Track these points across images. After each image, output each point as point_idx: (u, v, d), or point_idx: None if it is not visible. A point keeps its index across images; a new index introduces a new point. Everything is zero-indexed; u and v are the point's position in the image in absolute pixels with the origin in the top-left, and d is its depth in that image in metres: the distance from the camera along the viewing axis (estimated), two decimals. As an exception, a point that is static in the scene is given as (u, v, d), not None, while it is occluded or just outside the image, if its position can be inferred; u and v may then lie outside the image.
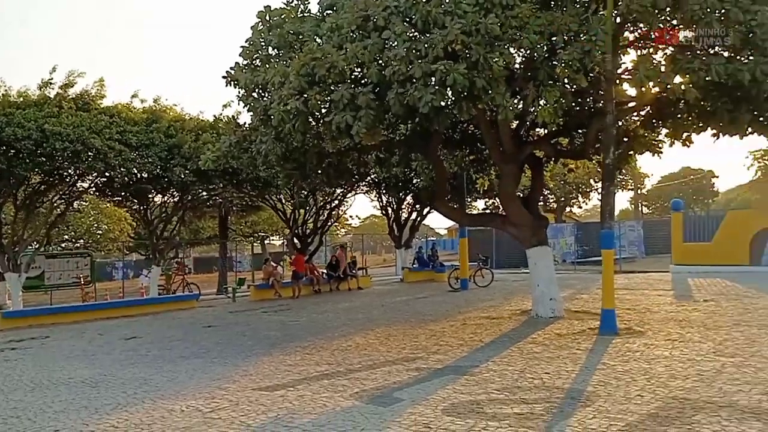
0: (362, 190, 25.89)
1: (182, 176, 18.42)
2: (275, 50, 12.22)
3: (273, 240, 43.49)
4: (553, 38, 10.09)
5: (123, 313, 17.33)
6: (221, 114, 20.44)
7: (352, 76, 10.86)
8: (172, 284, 22.19)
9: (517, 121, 13.48)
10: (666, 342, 8.92)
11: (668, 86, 10.87)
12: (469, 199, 24.62)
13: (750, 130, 11.39)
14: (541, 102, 10.67)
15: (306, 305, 17.65)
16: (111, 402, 7.26)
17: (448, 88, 9.48)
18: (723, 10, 9.58)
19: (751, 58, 9.84)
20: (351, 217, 48.87)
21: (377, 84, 10.19)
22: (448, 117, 12.26)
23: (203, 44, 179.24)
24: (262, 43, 12.32)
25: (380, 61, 10.07)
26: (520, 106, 11.47)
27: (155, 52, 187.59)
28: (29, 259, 19.17)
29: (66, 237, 29.80)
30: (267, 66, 11.91)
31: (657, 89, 11.19)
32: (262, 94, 12.16)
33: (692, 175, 64.86)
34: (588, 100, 13.04)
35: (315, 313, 15.58)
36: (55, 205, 19.86)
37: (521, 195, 15.55)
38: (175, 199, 21.85)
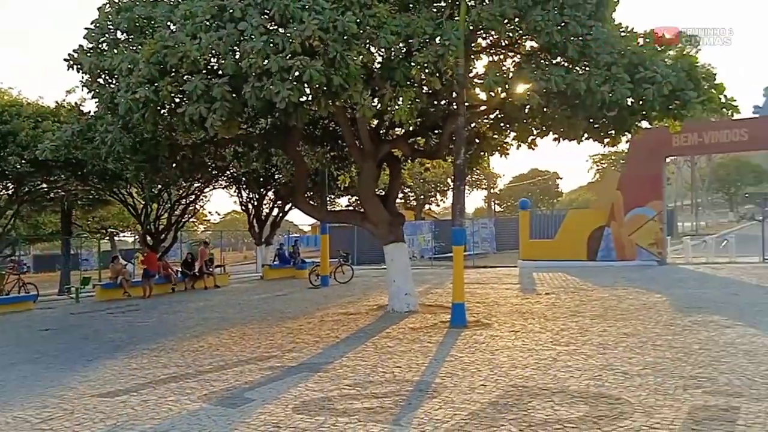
0: (221, 185, 25.10)
1: (17, 166, 16.87)
2: (124, 35, 11.50)
3: (125, 236, 40.94)
4: (410, 40, 10.36)
5: (-57, 317, 15.58)
6: (64, 100, 18.98)
7: (208, 67, 10.51)
8: (6, 284, 20.19)
9: (376, 120, 13.71)
10: (510, 333, 9.47)
11: (514, 92, 11.60)
12: (332, 196, 24.73)
13: (586, 135, 12.39)
14: (398, 102, 10.94)
15: (157, 305, 16.80)
16: None
17: (306, 84, 9.43)
18: (563, 23, 10.32)
19: (587, 69, 10.68)
20: (210, 212, 47.14)
21: (233, 76, 9.92)
22: (306, 113, 12.20)
23: (44, 24, 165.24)
24: (110, 26, 11.55)
25: (236, 53, 9.81)
26: (378, 104, 11.70)
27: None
28: None
29: None
30: (115, 51, 11.19)
31: (504, 95, 11.84)
32: (109, 81, 11.42)
33: (540, 176, 69.71)
34: (442, 102, 13.54)
35: (166, 314, 14.88)
36: None
37: (380, 193, 15.86)
38: (9, 191, 19.96)
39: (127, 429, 5.62)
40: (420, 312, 12.13)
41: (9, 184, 19.22)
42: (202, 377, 7.57)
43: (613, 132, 12.34)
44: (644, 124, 12.57)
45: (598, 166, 65.96)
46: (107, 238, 37.38)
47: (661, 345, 8.03)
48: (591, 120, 11.97)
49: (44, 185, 20.31)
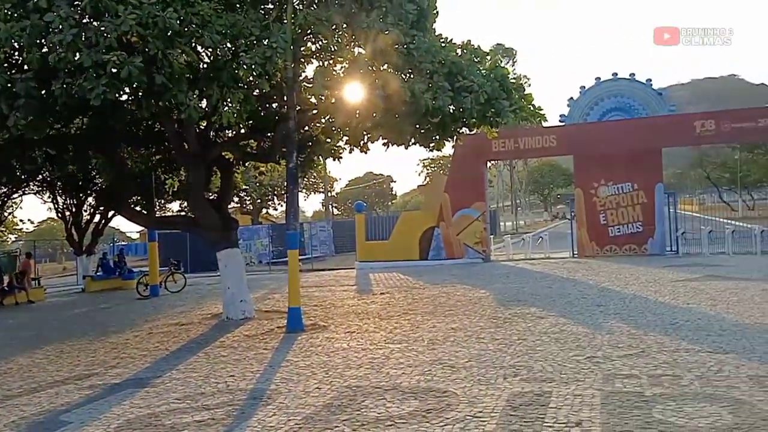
0: (32, 190, 22.78)
1: None
2: None
3: None
4: (236, 41, 10.12)
5: None
6: None
7: (10, 60, 9.52)
8: None
9: (205, 122, 13.23)
10: (346, 334, 9.56)
11: (345, 97, 11.77)
12: (162, 201, 23.42)
13: (413, 141, 12.88)
14: (226, 103, 10.65)
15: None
16: None
17: (124, 82, 8.84)
18: (387, 32, 10.64)
19: (411, 77, 11.12)
20: (22, 221, 42.61)
21: (40, 71, 9.04)
22: (126, 113, 11.50)
23: None
24: None
25: (43, 47, 8.96)
26: (206, 106, 11.30)
27: None
28: None
29: None
30: None
31: (335, 99, 11.98)
32: None
33: (375, 179, 71.57)
34: (273, 105, 13.40)
35: (-34, 336, 13.20)
36: None
37: (212, 197, 15.32)
38: None
39: None
40: (256, 318, 11.87)
41: None
42: (10, 402, 6.79)
43: (437, 137, 12.94)
44: (465, 130, 13.33)
45: (427, 169, 69.20)
46: None
47: (485, 337, 8.55)
48: (417, 126, 12.47)
49: None
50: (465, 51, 12.31)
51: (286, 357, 8.16)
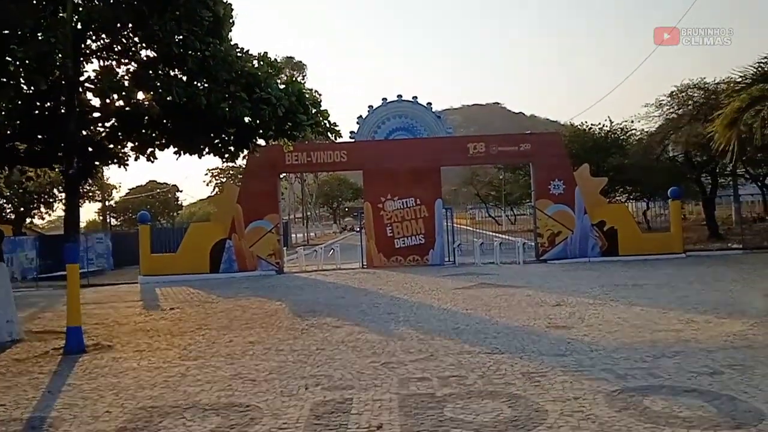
0: None
1: None
2: None
3: None
4: (5, 31, 9.12)
5: None
6: None
7: None
8: None
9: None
10: (135, 353, 8.97)
11: (132, 101, 11.13)
12: None
13: (207, 150, 12.55)
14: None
15: None
16: None
17: None
18: (181, 36, 10.32)
19: (206, 84, 10.87)
20: None
21: None
22: None
23: None
24: None
25: None
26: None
27: None
28: None
29: None
30: None
31: (122, 102, 11.29)
32: None
33: (159, 188, 67.88)
34: (50, 104, 12.19)
35: None
36: None
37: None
38: None
39: None
40: (27, 340, 10.58)
41: None
42: None
43: (232, 148, 12.77)
44: (262, 141, 13.34)
45: (216, 179, 67.40)
46: None
47: (284, 349, 8.60)
48: (212, 135, 12.20)
49: None
50: (262, 63, 12.34)
51: (67, 381, 7.43)
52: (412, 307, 12.22)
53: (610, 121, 33.90)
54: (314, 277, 20.45)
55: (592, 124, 34.57)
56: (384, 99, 25.35)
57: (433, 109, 25.66)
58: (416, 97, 25.47)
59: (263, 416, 5.56)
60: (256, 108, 11.38)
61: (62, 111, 11.23)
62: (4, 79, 9.94)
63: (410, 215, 23.05)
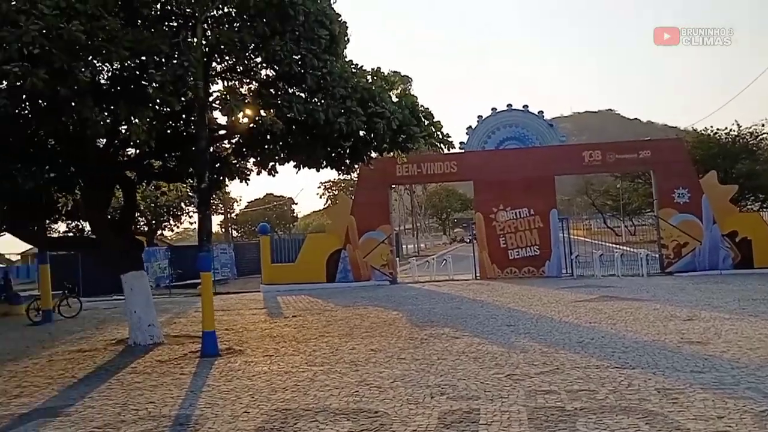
0: None
1: None
2: None
3: None
4: (145, 57, 9.86)
5: None
6: None
7: None
8: None
9: (105, 140, 12.67)
10: (264, 358, 9.39)
11: (257, 118, 11.70)
12: (47, 221, 21.97)
13: (324, 163, 12.95)
14: (135, 121, 10.29)
15: None
16: None
17: (27, 94, 8.38)
18: (300, 55, 10.74)
19: (323, 101, 11.23)
20: None
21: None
22: (25, 127, 10.87)
23: None
24: None
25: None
26: (111, 122, 10.85)
27: None
28: None
29: None
30: None
31: (247, 120, 11.88)
32: None
33: (275, 201, 70.75)
34: (181, 123, 13.05)
35: None
36: None
37: (113, 217, 14.63)
38: None
39: None
40: (166, 343, 11.39)
41: None
42: None
43: (348, 161, 13.10)
44: (375, 154, 13.59)
45: (329, 192, 69.31)
46: None
47: (406, 358, 8.68)
48: (329, 149, 12.57)
49: None
50: (376, 78, 12.61)
51: (207, 382, 7.92)
52: (532, 320, 11.96)
53: (738, 125, 31.69)
54: (428, 288, 20.49)
55: (717, 129, 32.46)
56: (493, 109, 25.08)
57: (544, 117, 25.08)
58: (527, 106, 25.00)
59: (392, 422, 5.63)
60: (370, 121, 11.63)
61: (194, 130, 11.99)
62: (144, 101, 10.77)
63: (524, 226, 22.61)
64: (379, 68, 12.92)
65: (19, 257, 51.91)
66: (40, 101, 9.38)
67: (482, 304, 14.95)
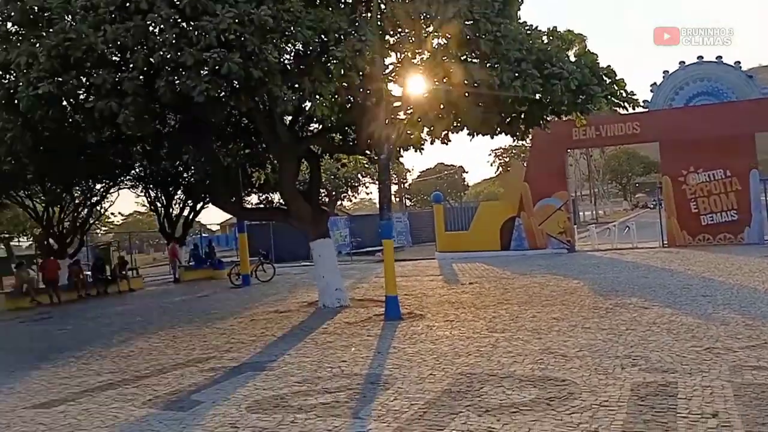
0: (126, 184, 23.89)
1: None
2: (16, 27, 10.73)
3: (20, 241, 38.18)
4: (325, 35, 10.28)
5: None
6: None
7: (114, 60, 9.98)
8: None
9: (291, 116, 13.50)
10: (445, 323, 9.60)
11: (431, 87, 11.77)
12: (243, 194, 24.13)
13: (498, 130, 12.73)
14: (319, 97, 10.83)
15: (71, 312, 15.93)
16: None
17: (223, 78, 9.16)
18: (473, 20, 10.56)
19: (497, 65, 10.98)
20: (113, 214, 44.89)
21: (145, 70, 9.48)
22: (223, 108, 11.89)
23: None
24: (0, 19, 10.75)
25: (146, 47, 9.37)
26: (297, 100, 11.53)
27: None
28: None
29: None
30: (8, 44, 10.40)
31: (420, 90, 12.01)
32: (4, 75, 10.61)
33: (446, 170, 71.18)
34: (358, 98, 13.51)
35: (84, 320, 14.12)
36: None
37: (300, 189, 15.65)
38: None
39: (73, 441, 5.29)
40: (351, 306, 12.08)
41: None
42: (141, 382, 7.22)
43: (523, 126, 12.75)
44: (553, 118, 13.09)
45: (499, 159, 68.19)
46: (2, 244, 34.84)
47: (591, 327, 8.39)
48: (503, 114, 12.32)
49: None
50: (551, 38, 12.08)
51: (392, 344, 8.28)
52: (731, 290, 10.94)
53: None
54: (609, 256, 19.53)
55: None
56: (682, 62, 23.00)
57: (741, 68, 22.47)
58: (720, 57, 22.56)
59: (581, 392, 5.49)
60: (547, 84, 11.19)
61: (371, 102, 12.37)
62: (327, 77, 11.32)
63: (719, 189, 20.61)
64: (555, 27, 12.36)
65: (218, 227, 57.65)
66: (235, 83, 10.22)
67: (672, 273, 13.95)
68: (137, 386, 7.05)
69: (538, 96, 11.57)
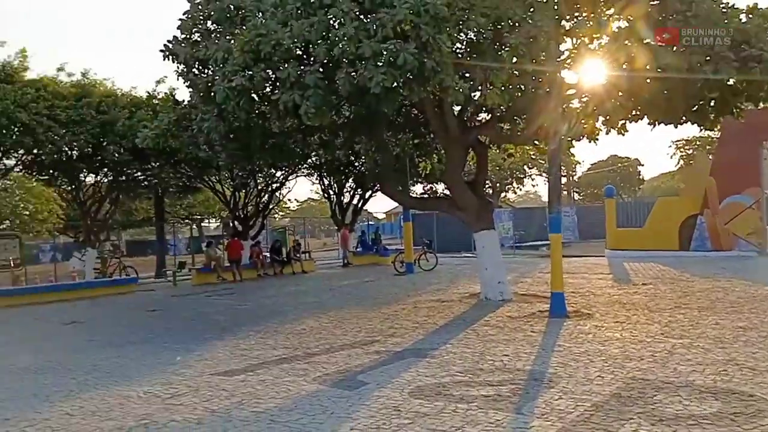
0: (303, 172, 25.46)
1: (116, 155, 17.56)
2: (215, 24, 11.78)
3: (209, 223, 42.36)
4: (499, 23, 10.13)
5: (58, 298, 16.58)
6: (155, 90, 19.65)
7: (298, 54, 10.59)
8: (108, 267, 21.27)
9: (460, 106, 13.49)
10: (615, 324, 9.12)
11: (611, 73, 11.16)
12: (410, 183, 24.65)
13: (684, 118, 11.77)
14: (490, 86, 10.71)
15: (251, 289, 17.38)
16: (62, 389, 6.86)
17: (398, 69, 9.36)
18: (660, 0, 9.84)
19: (684, 48, 10.14)
20: (290, 200, 48.08)
21: (325, 63, 9.97)
22: (396, 98, 12.18)
23: (124, 15, 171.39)
24: (201, 17, 11.86)
25: (328, 40, 9.85)
26: (469, 89, 11.50)
27: (76, 24, 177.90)
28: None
29: (-12, 218, 27.95)
30: (207, 41, 11.47)
31: (597, 77, 11.43)
32: (203, 70, 11.72)
33: (620, 162, 67.26)
34: (530, 86, 13.18)
35: (262, 297, 15.36)
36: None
37: (466, 179, 15.65)
38: (109, 179, 20.91)
39: (252, 406, 5.79)
40: (514, 301, 11.90)
41: (108, 172, 20.07)
42: (311, 359, 7.68)
43: (713, 114, 11.69)
44: (748, 105, 11.90)
45: (681, 151, 63.01)
46: (195, 224, 38.70)
47: (787, 340, 7.53)
48: (690, 101, 11.38)
49: (139, 173, 21.07)
50: (752, 16, 10.91)
51: (557, 341, 8.04)
52: None
53: None
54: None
55: None
56: None
57: None
58: None
59: (772, 410, 4.96)
60: (744, 67, 10.17)
61: (543, 91, 12.01)
62: (499, 65, 11.16)
63: None
64: (756, 4, 11.16)
65: (384, 215, 59.47)
66: (408, 74, 10.42)
67: None
68: (308, 362, 7.50)
69: (732, 81, 10.58)
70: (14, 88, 16.01)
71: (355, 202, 27.38)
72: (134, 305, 15.02)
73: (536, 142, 14.79)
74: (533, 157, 36.73)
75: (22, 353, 9.14)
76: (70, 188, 21.29)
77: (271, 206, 27.06)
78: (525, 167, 42.68)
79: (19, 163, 18.93)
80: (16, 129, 15.64)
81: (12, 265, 20.00)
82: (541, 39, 10.15)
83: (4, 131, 15.49)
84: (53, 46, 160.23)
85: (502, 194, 47.34)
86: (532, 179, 45.83)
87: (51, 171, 19.92)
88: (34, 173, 21.03)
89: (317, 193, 27.74)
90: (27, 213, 27.88)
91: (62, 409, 6.04)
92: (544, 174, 49.42)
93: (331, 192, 26.84)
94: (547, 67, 11.21)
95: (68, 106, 16.97)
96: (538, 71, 11.97)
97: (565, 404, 5.34)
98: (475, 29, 10.08)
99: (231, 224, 25.04)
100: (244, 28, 10.57)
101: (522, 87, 13.15)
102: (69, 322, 12.49)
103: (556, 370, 6.57)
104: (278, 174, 24.15)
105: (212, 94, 10.79)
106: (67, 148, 17.36)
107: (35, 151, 16.80)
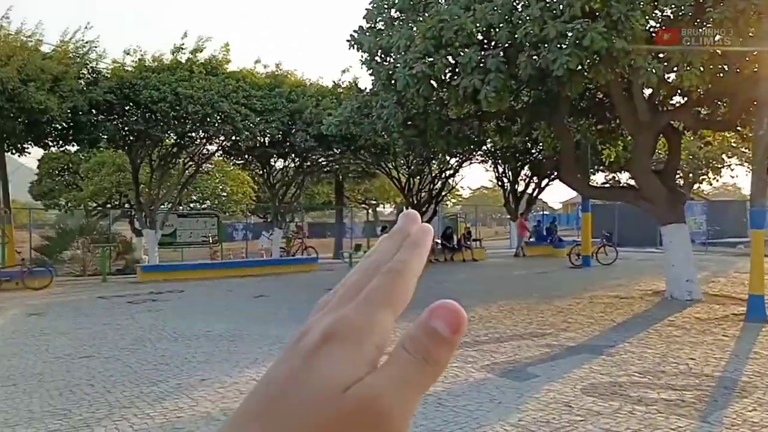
0: (477, 159, 25.30)
1: (303, 142, 18.71)
2: (399, 13, 12.05)
3: (384, 208, 43.88)
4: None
5: (248, 273, 18.04)
6: (340, 79, 20.60)
7: (479, 39, 10.50)
8: (292, 247, 22.91)
9: (651, 89, 12.54)
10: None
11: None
12: (590, 171, 23.50)
13: None
14: (688, 66, 9.85)
15: (422, 274, 17.63)
16: (249, 356, 7.45)
17: (585, 50, 8.92)
18: None
19: None
20: (462, 187, 48.18)
21: (507, 47, 9.79)
22: (581, 81, 11.63)
23: (312, 10, 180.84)
24: (386, 6, 12.17)
25: (510, 23, 9.65)
26: (662, 69, 10.67)
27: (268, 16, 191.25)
28: (163, 217, 19.92)
29: (193, 198, 31.13)
30: (390, 29, 11.77)
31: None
32: (385, 58, 12.04)
33: None
34: (736, 65, 11.90)
35: (433, 282, 15.54)
36: (186, 166, 20.69)
37: (654, 168, 14.58)
38: (296, 164, 22.38)
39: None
40: (704, 301, 10.91)
41: (295, 157, 21.49)
42: (480, 347, 7.66)
43: None
44: None
45: None
46: (370, 209, 40.27)
47: None
48: None
49: (322, 159, 22.30)
50: None
51: (753, 348, 7.26)
52: None
53: None
54: None
55: None
56: None
57: None
58: None
59: None
60: None
61: (750, 70, 10.84)
62: (698, 43, 10.21)
63: None
64: None
65: (560, 205, 57.46)
66: (595, 55, 9.89)
67: None
68: (476, 350, 7.47)
69: None
70: (218, 79, 17.58)
71: (529, 190, 26.69)
72: (314, 283, 15.95)
73: (739, 127, 13.35)
74: (734, 145, 33.15)
75: (217, 322, 10.02)
76: (261, 172, 23.01)
77: (443, 193, 27.25)
78: (723, 156, 38.69)
79: (219, 148, 20.83)
80: (218, 117, 17.19)
81: (211, 241, 22.25)
82: (750, 12, 9.15)
83: (208, 119, 17.06)
84: (252, 40, 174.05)
85: (696, 185, 43.48)
86: (732, 169, 41.37)
87: (246, 156, 21.69)
88: (232, 158, 23.04)
89: (490, 180, 27.59)
90: (224, 194, 30.76)
91: (248, 374, 6.57)
92: (746, 163, 44.53)
93: (505, 180, 26.35)
94: (756, 43, 10.10)
95: (263, 96, 18.31)
96: (743, 49, 10.84)
97: (759, 417, 4.81)
98: (674, 5, 9.33)
99: (404, 210, 25.63)
100: (426, 15, 10.72)
101: (725, 67, 11.98)
102: (257, 295, 13.55)
103: (751, 378, 5.92)
104: (452, 161, 24.20)
105: (393, 81, 11.07)
106: (260, 135, 18.80)
107: (234, 137, 18.36)
